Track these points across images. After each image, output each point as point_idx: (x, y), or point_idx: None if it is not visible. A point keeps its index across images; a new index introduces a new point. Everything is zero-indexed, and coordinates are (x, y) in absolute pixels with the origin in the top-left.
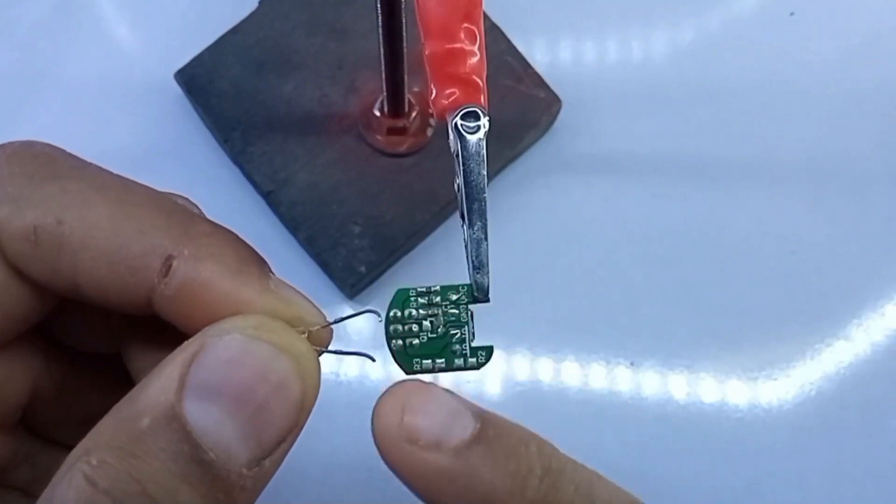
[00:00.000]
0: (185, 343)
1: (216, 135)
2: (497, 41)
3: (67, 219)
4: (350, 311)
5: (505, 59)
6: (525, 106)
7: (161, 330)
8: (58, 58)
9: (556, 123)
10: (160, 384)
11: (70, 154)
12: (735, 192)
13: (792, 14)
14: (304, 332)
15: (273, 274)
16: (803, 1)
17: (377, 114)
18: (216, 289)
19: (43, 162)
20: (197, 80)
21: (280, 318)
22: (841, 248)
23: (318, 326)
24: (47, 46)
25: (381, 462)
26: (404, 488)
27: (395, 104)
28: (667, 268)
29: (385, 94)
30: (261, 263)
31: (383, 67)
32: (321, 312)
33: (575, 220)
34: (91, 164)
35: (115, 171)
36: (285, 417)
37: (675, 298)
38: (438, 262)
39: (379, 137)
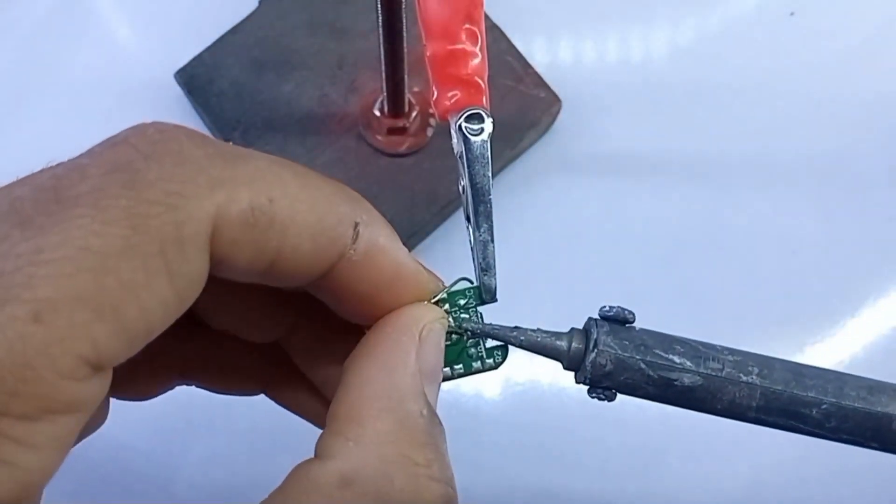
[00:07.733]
0: (392, 332)
1: (216, 135)
2: (497, 41)
3: (276, 196)
4: None
5: (505, 59)
6: (525, 106)
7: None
8: (58, 58)
9: (556, 123)
10: (404, 376)
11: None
12: (735, 192)
13: (792, 14)
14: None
15: None
16: (803, 1)
17: (377, 114)
18: (390, 254)
19: (215, 142)
20: (197, 80)
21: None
22: (841, 248)
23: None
24: (47, 46)
25: None
26: None
27: (395, 104)
28: (667, 268)
29: (385, 94)
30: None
31: (383, 67)
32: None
33: (575, 220)
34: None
35: None
36: None
37: (675, 298)
38: (439, 263)
39: (379, 137)
